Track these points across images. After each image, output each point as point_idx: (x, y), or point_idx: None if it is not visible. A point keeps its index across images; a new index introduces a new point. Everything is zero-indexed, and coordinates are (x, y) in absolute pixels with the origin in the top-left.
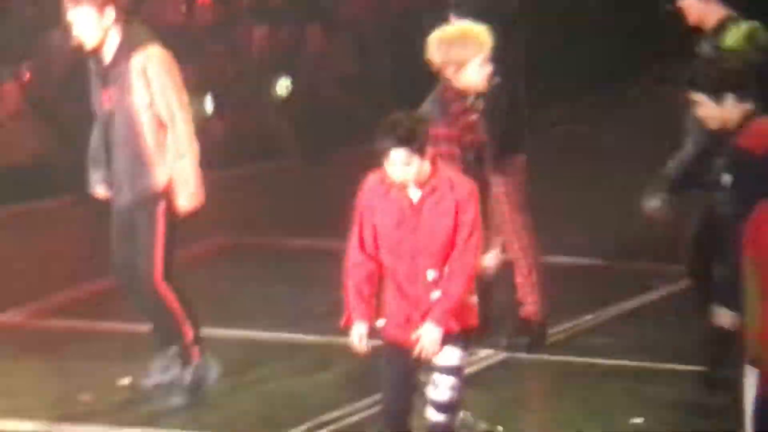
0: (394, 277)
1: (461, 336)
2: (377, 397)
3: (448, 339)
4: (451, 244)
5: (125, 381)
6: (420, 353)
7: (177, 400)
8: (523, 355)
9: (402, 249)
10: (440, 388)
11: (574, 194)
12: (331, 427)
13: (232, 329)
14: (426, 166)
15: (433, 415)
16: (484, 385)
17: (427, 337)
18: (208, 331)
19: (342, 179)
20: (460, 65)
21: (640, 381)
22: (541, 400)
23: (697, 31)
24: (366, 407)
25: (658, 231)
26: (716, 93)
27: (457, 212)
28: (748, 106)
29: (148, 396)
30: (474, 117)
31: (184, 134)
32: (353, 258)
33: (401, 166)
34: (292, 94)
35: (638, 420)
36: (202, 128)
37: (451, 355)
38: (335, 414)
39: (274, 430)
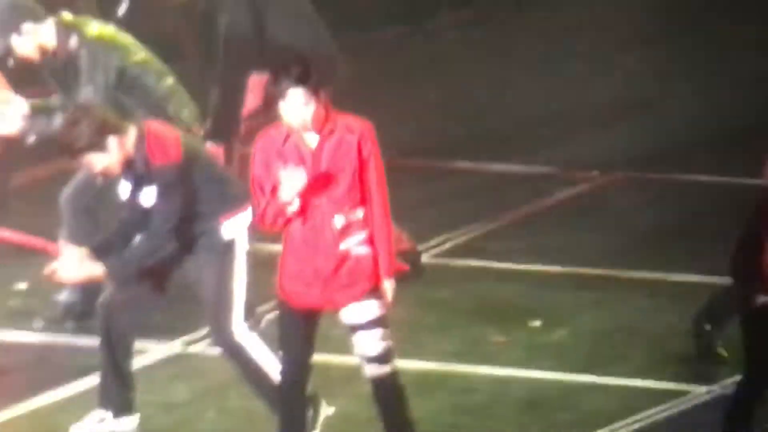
0: (299, 232)
1: (371, 287)
2: None
3: (362, 294)
4: (355, 187)
5: (21, 286)
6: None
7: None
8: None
9: (305, 198)
10: (371, 342)
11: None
12: None
13: None
14: (321, 109)
15: (377, 369)
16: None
17: (389, 293)
18: None
19: None
20: None
21: (536, 285)
22: (440, 304)
23: None
24: None
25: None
26: None
27: (359, 152)
28: None
29: (44, 301)
30: None
31: None
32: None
33: (299, 106)
34: None
35: (536, 323)
36: None
37: (370, 308)
38: None
39: None
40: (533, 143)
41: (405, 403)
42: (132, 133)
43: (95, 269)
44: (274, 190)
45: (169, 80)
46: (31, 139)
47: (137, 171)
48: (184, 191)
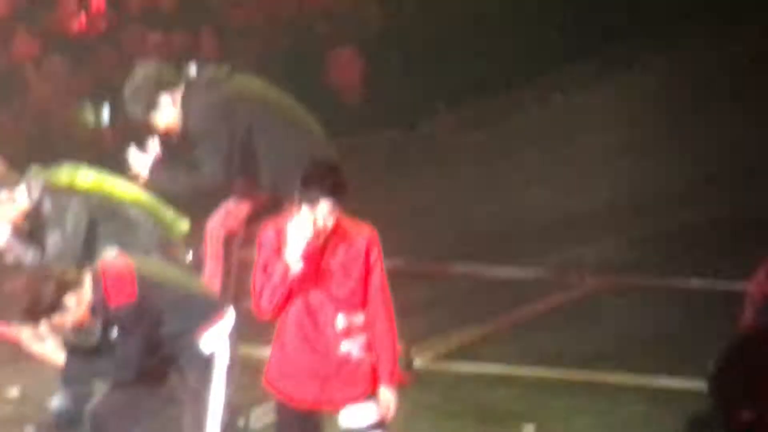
0: (298, 328)
1: (370, 392)
2: None
3: (362, 397)
4: (359, 291)
5: (13, 392)
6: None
7: None
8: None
9: (309, 298)
10: None
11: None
12: None
13: None
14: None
15: None
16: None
17: (389, 403)
18: None
19: None
20: None
21: (530, 389)
22: (433, 408)
23: None
24: None
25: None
26: None
27: (367, 257)
28: None
29: (36, 407)
30: None
31: None
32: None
33: (326, 215)
34: None
35: (530, 427)
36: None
37: (370, 412)
38: None
39: None
40: (527, 247)
41: None
42: (87, 281)
43: (56, 356)
44: (266, 268)
45: (146, 205)
46: (9, 258)
47: (98, 313)
48: (146, 325)
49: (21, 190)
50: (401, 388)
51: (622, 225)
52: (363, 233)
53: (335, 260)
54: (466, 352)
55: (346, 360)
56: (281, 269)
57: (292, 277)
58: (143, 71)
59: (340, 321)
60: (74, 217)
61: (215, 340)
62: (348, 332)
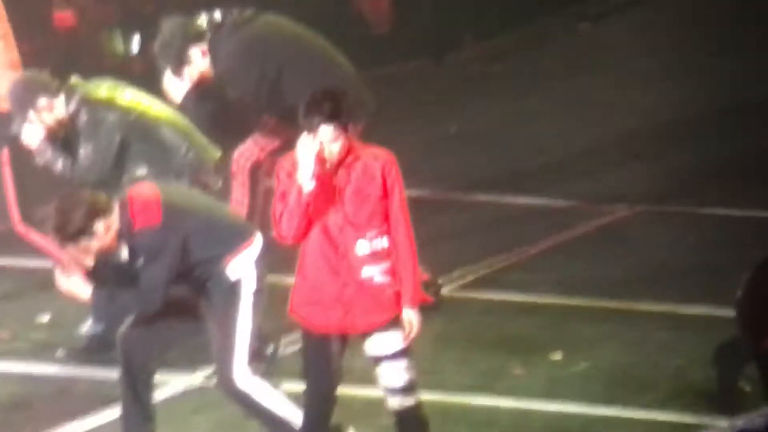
0: (321, 255)
1: (394, 317)
2: None
3: (385, 326)
4: (378, 214)
5: (44, 318)
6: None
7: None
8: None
9: (329, 224)
10: (396, 374)
11: (492, 131)
12: None
13: None
14: (347, 143)
15: (402, 401)
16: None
17: (412, 323)
18: None
19: None
20: None
21: (557, 317)
22: (461, 337)
23: None
24: None
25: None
26: None
27: (384, 179)
28: None
29: (67, 333)
30: None
31: None
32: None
33: (330, 141)
34: None
35: (557, 355)
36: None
37: (394, 340)
38: None
39: None
40: (554, 176)
41: None
42: (115, 208)
43: (83, 291)
44: (284, 196)
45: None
46: (40, 162)
47: (125, 239)
48: (171, 251)
49: (60, 99)
50: (428, 317)
51: (649, 154)
52: (379, 157)
53: (351, 184)
54: (493, 281)
55: (368, 284)
56: (295, 192)
57: (306, 198)
58: (169, 27)
59: (361, 246)
60: (109, 132)
61: (242, 267)
62: (370, 257)
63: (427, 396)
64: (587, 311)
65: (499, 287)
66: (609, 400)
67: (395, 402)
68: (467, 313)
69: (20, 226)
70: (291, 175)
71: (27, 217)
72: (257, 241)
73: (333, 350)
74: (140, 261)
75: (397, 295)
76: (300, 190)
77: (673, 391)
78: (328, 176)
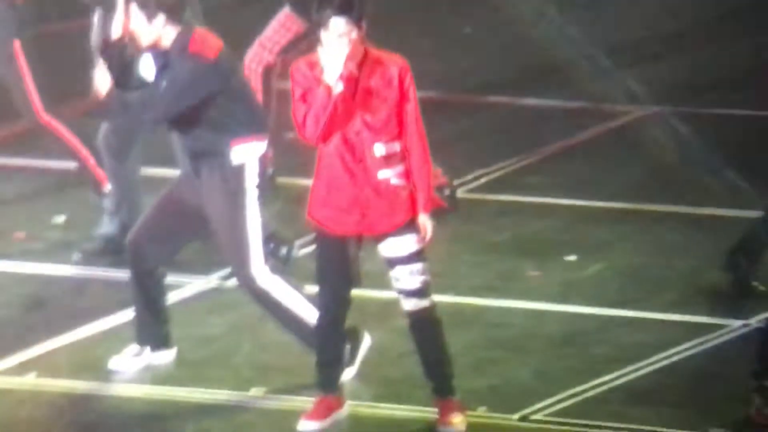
0: (338, 158)
1: (409, 220)
2: None
3: (400, 229)
4: (394, 118)
5: (59, 219)
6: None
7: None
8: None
9: (346, 127)
10: (410, 276)
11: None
12: None
13: None
14: (362, 39)
15: (416, 303)
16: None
17: (427, 228)
18: None
19: None
20: None
21: (572, 219)
22: (476, 239)
23: None
24: None
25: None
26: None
27: (401, 84)
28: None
29: (82, 234)
30: None
31: None
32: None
33: (342, 33)
34: None
35: (572, 257)
36: None
37: (408, 242)
38: None
39: None
40: (569, 78)
41: (442, 337)
42: (174, 31)
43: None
44: (304, 97)
45: None
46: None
47: (171, 55)
48: (199, 89)
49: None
50: (441, 217)
51: (664, 55)
52: (395, 61)
53: (369, 87)
54: (507, 183)
55: (385, 187)
56: (322, 93)
57: (335, 98)
58: None
59: (378, 149)
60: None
61: (247, 155)
62: (386, 160)
63: (441, 298)
64: (601, 213)
65: (513, 189)
66: (623, 301)
67: (409, 304)
68: (481, 215)
69: (44, 115)
70: (308, 76)
71: (49, 108)
72: (265, 140)
73: (349, 253)
74: (165, 80)
75: (412, 198)
76: (328, 92)
77: (686, 291)
78: (354, 78)
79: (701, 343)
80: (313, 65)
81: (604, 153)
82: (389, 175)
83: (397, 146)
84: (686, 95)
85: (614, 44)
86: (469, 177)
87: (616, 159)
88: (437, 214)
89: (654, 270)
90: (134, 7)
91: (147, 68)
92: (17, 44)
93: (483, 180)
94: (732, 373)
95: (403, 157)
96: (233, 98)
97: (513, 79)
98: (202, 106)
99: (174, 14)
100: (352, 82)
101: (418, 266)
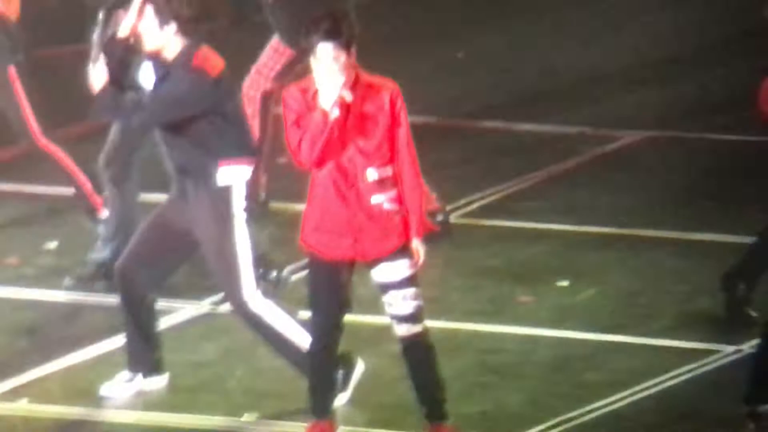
0: (331, 183)
1: (402, 245)
2: None
3: (393, 254)
4: (386, 143)
5: (51, 245)
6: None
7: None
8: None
9: (339, 141)
10: (403, 301)
11: (497, 56)
12: None
13: None
14: (351, 65)
15: (409, 328)
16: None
17: (419, 253)
18: None
19: None
20: None
21: (565, 244)
22: (469, 264)
23: None
24: None
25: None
26: None
27: (392, 108)
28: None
29: (75, 259)
30: None
31: None
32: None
33: (328, 61)
34: None
35: (565, 283)
36: None
37: (401, 267)
38: None
39: None
40: (562, 103)
41: (435, 363)
42: (180, 44)
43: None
44: (298, 122)
45: None
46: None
47: (171, 67)
48: (193, 104)
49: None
50: (434, 242)
51: (656, 80)
52: (387, 86)
53: (361, 112)
54: (500, 209)
55: (378, 211)
56: (318, 118)
57: (331, 123)
58: None
59: (371, 173)
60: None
61: (234, 177)
62: (378, 184)
63: (433, 323)
64: (594, 238)
65: (506, 214)
66: (616, 327)
67: (402, 329)
68: (474, 240)
69: (42, 139)
70: (300, 102)
71: (47, 132)
72: (253, 166)
73: (342, 278)
74: (162, 88)
75: (405, 223)
76: (325, 117)
77: (679, 317)
78: (349, 104)
79: (694, 369)
80: (305, 90)
81: (597, 178)
82: (382, 199)
83: (389, 171)
84: (678, 120)
85: (605, 70)
86: (462, 202)
87: (609, 184)
88: (430, 239)
89: (647, 295)
90: (150, 10)
91: (145, 75)
92: (12, 70)
93: (476, 205)
94: (725, 399)
95: (396, 181)
96: (227, 119)
97: (506, 104)
98: (195, 122)
99: (186, 27)
100: (346, 107)
101: (411, 291)
